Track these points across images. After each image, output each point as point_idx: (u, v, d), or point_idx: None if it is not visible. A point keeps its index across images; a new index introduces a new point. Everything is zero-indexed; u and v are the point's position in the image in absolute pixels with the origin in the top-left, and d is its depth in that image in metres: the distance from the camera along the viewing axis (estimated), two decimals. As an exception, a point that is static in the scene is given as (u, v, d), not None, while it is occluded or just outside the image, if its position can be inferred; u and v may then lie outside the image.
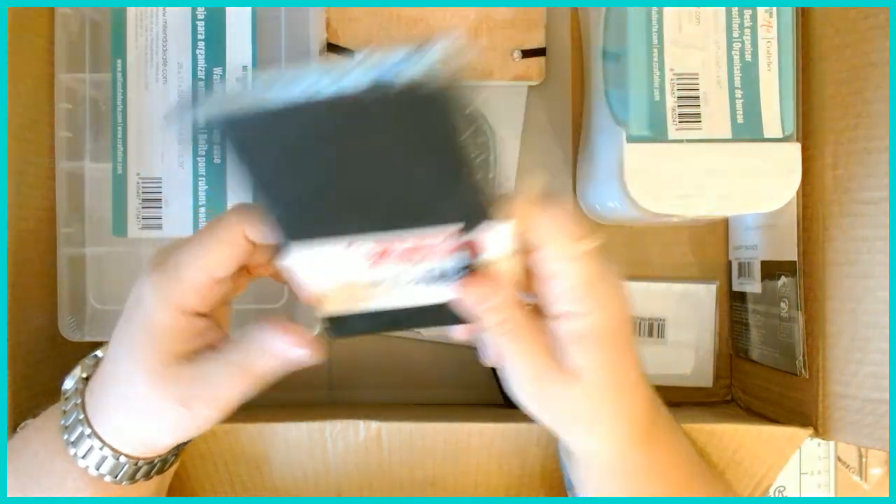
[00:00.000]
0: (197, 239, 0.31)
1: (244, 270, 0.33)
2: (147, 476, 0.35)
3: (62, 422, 0.33)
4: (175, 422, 0.32)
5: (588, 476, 0.36)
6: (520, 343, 0.31)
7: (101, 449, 0.33)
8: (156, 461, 0.35)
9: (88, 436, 0.33)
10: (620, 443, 0.34)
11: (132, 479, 0.34)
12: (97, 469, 0.33)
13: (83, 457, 0.33)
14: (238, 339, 0.32)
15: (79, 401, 0.33)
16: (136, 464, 0.34)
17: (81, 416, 0.33)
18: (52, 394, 0.36)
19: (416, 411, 0.45)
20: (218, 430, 0.39)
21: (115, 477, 0.33)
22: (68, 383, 0.34)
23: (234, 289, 0.34)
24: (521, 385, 0.32)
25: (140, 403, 0.32)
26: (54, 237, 0.45)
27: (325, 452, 0.40)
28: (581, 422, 0.33)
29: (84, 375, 0.34)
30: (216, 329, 0.33)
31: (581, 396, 0.32)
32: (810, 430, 0.41)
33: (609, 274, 0.31)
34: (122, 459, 0.33)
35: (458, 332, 0.34)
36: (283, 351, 0.32)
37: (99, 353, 0.35)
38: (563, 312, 0.31)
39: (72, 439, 0.33)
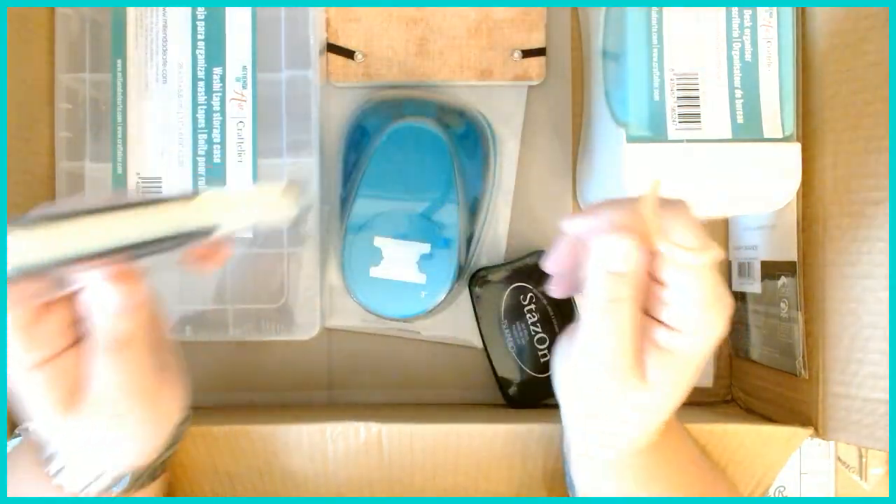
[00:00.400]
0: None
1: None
2: (163, 469, 0.35)
3: (48, 470, 0.32)
4: (132, 431, 0.31)
5: (592, 475, 0.36)
6: (620, 325, 0.29)
7: (108, 473, 0.32)
8: (164, 457, 0.35)
9: (88, 470, 0.32)
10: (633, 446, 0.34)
11: (153, 478, 0.34)
12: (113, 489, 0.33)
13: (91, 485, 0.32)
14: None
15: (56, 448, 0.32)
16: (152, 468, 0.34)
17: (72, 460, 0.32)
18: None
19: (416, 412, 0.45)
20: (217, 431, 0.39)
21: (137, 481, 0.33)
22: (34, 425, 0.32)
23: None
24: (591, 362, 0.30)
25: (99, 438, 0.31)
26: (54, 237, 0.44)
27: (325, 454, 0.40)
28: (614, 422, 0.32)
29: None
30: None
31: (635, 402, 0.31)
32: (810, 430, 0.41)
33: (723, 296, 0.30)
34: (136, 471, 0.33)
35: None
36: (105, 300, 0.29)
37: None
38: (665, 321, 0.30)
39: (76, 489, 0.32)
